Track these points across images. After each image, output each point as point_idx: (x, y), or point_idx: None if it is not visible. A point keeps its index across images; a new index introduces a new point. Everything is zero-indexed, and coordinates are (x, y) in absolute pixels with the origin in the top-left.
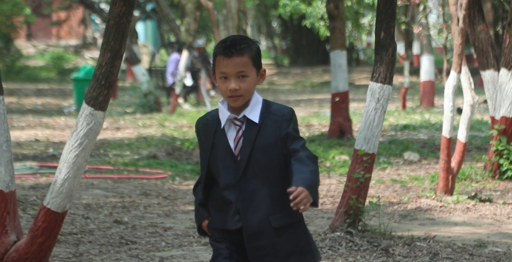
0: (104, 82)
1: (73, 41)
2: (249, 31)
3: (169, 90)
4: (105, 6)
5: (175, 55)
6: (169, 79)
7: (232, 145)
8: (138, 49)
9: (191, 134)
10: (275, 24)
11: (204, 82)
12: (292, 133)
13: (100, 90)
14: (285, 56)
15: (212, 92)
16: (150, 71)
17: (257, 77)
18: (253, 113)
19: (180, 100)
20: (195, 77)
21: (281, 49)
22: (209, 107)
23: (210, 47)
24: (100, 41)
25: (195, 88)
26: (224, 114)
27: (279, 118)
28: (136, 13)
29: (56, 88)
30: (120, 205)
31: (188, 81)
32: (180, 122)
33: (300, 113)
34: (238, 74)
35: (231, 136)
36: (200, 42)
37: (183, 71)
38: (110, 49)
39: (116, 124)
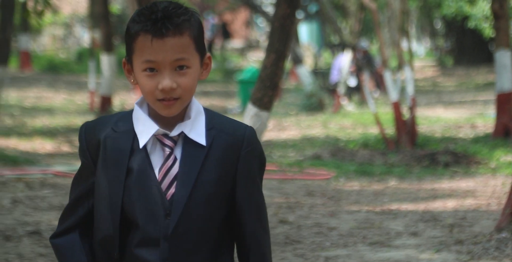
0: (269, 84)
1: (238, 43)
2: (413, 32)
3: (332, 91)
4: (269, 9)
5: (341, 56)
6: (334, 78)
7: (157, 175)
8: (301, 50)
9: (355, 134)
10: (438, 25)
11: (368, 83)
12: (257, 181)
13: (265, 91)
14: (449, 56)
15: (376, 94)
16: (314, 73)
17: (200, 68)
18: (196, 130)
19: (344, 101)
20: (358, 78)
21: (445, 50)
22: (372, 109)
23: (373, 49)
24: (264, 43)
25: (358, 89)
26: (148, 128)
27: (236, 141)
28: (299, 15)
29: (221, 90)
30: (285, 205)
31: (352, 82)
32: (344, 123)
33: (464, 114)
34: (176, 64)
35: (157, 162)
36: (364, 44)
37: (346, 72)
38: (274, 51)
39: (280, 125)
